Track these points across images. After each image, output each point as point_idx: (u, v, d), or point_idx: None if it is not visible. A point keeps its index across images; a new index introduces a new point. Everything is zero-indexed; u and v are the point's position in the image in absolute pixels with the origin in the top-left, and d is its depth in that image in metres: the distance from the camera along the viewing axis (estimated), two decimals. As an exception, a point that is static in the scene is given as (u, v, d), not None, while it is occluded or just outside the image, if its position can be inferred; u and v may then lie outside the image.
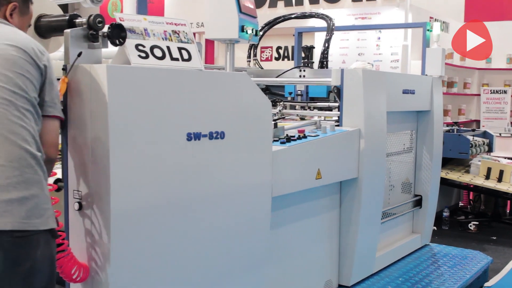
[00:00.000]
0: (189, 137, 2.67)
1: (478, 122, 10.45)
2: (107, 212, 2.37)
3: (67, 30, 2.45)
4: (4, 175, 2.13)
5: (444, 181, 6.79)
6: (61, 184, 2.51)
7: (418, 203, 5.19)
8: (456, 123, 8.74)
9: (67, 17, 2.61)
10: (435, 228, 5.62)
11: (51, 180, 2.50)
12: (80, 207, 2.45)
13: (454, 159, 7.68)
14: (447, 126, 8.17)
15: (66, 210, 2.52)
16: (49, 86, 2.34)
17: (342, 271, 4.14)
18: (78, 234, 2.48)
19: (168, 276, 2.66)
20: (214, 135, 2.80)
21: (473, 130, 8.28)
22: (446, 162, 7.54)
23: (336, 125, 4.01)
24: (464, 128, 8.52)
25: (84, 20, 2.50)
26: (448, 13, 10.84)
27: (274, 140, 3.38)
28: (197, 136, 2.71)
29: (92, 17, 2.47)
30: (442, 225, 7.62)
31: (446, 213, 7.72)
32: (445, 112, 9.11)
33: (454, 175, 7.36)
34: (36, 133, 2.26)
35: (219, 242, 2.91)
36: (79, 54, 2.43)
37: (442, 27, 10.03)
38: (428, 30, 7.32)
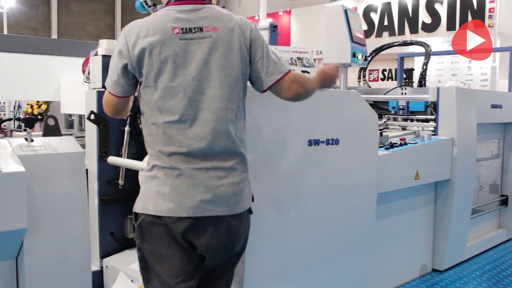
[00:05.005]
0: (310, 143, 2.65)
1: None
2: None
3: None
4: None
5: (528, 184, 6.29)
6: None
7: (504, 202, 4.84)
8: (539, 134, 8.07)
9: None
10: (519, 224, 5.22)
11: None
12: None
13: (538, 164, 7.09)
14: (531, 136, 7.56)
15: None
16: None
17: (436, 257, 3.95)
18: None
19: (291, 255, 2.64)
20: (330, 141, 2.75)
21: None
22: (530, 167, 6.99)
23: (432, 134, 3.85)
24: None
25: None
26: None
27: (380, 146, 3.31)
28: (317, 142, 2.68)
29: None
30: (525, 221, 7.06)
31: (529, 211, 7.16)
32: (530, 124, 8.44)
33: (537, 179, 6.80)
34: None
35: (333, 228, 2.85)
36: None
37: (527, 51, 9.33)
38: (514, 53, 6.84)
